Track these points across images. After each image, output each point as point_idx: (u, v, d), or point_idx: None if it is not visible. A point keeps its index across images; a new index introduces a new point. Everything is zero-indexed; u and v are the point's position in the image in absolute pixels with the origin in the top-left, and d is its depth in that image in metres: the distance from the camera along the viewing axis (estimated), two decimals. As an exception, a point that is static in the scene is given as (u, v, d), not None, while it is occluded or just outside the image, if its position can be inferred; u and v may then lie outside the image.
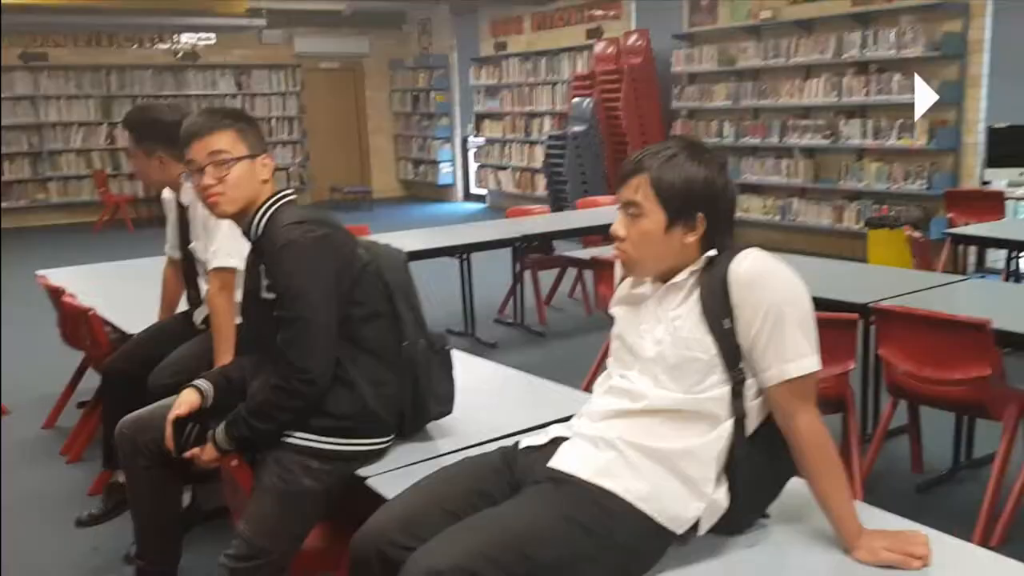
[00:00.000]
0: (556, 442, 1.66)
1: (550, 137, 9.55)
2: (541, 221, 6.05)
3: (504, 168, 11.89)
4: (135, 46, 12.22)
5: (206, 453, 1.97)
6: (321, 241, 1.94)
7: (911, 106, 6.89)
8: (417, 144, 13.77)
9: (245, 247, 2.12)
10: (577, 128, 8.96)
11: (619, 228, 1.61)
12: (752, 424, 1.57)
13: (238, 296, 2.74)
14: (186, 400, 2.02)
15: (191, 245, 2.85)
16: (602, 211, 6.39)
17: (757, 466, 1.57)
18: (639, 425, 1.57)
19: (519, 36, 11.53)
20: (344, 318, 1.96)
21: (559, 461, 1.60)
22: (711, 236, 1.58)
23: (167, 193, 3.00)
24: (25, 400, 4.60)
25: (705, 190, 1.56)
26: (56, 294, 3.90)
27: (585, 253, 4.67)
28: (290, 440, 1.95)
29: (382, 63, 14.04)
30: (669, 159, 1.57)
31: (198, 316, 2.95)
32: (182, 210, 2.87)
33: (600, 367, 4.51)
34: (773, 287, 1.53)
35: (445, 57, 13.10)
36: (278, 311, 1.93)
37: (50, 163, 11.76)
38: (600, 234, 6.13)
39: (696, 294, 1.57)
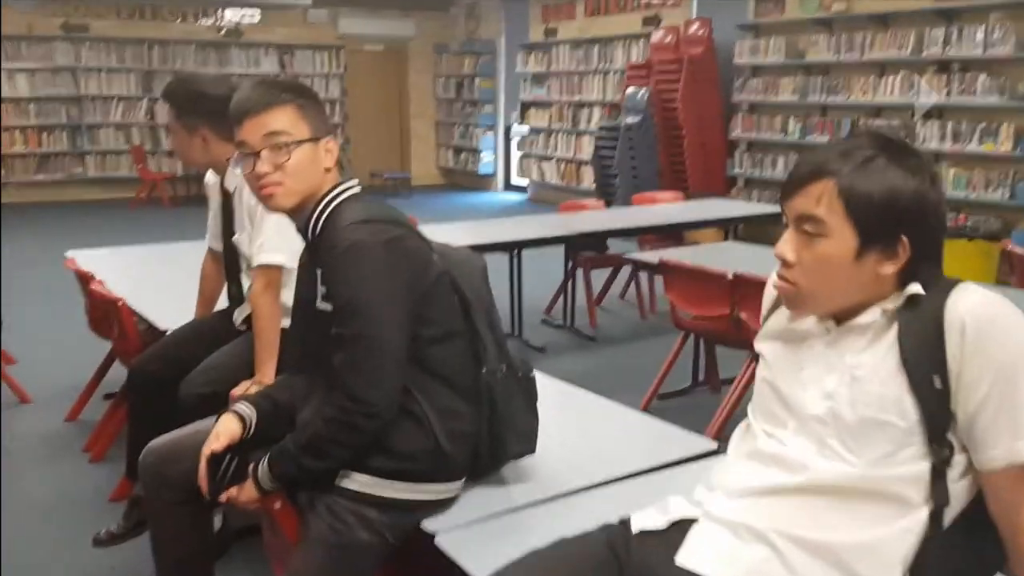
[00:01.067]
0: (680, 526, 1.31)
1: (601, 128, 9.17)
2: (597, 217, 5.68)
3: (548, 159, 11.51)
4: (179, 20, 11.99)
5: (245, 493, 1.65)
6: (392, 245, 1.61)
7: (996, 109, 6.43)
8: (459, 131, 13.43)
9: (297, 243, 1.81)
10: (631, 119, 8.57)
11: (787, 250, 1.25)
12: (953, 513, 1.20)
13: (285, 297, 2.43)
14: (225, 431, 1.70)
15: (235, 237, 2.54)
16: (660, 208, 6.02)
17: (955, 569, 1.21)
18: (799, 508, 1.21)
19: (571, 22, 11.14)
20: (413, 338, 1.63)
21: (690, 557, 1.26)
22: (914, 266, 1.22)
23: (210, 176, 2.69)
24: (48, 390, 4.34)
25: (913, 206, 1.20)
26: (85, 279, 3.62)
27: (652, 255, 4.29)
28: (345, 484, 1.62)
29: (427, 47, 13.71)
30: (865, 163, 1.20)
31: (238, 316, 2.63)
32: (226, 196, 2.56)
33: (662, 382, 4.23)
34: (1010, 339, 1.16)
35: (492, 42, 12.74)
36: (337, 327, 1.61)
37: (88, 137, 11.58)
38: (657, 234, 5.76)
39: (891, 338, 1.21)
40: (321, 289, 1.68)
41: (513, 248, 5.09)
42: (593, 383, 2.43)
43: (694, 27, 8.59)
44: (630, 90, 8.78)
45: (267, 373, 2.38)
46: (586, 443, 2.03)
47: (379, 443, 1.61)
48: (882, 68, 7.31)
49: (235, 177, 2.48)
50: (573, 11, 11.09)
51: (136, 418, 2.66)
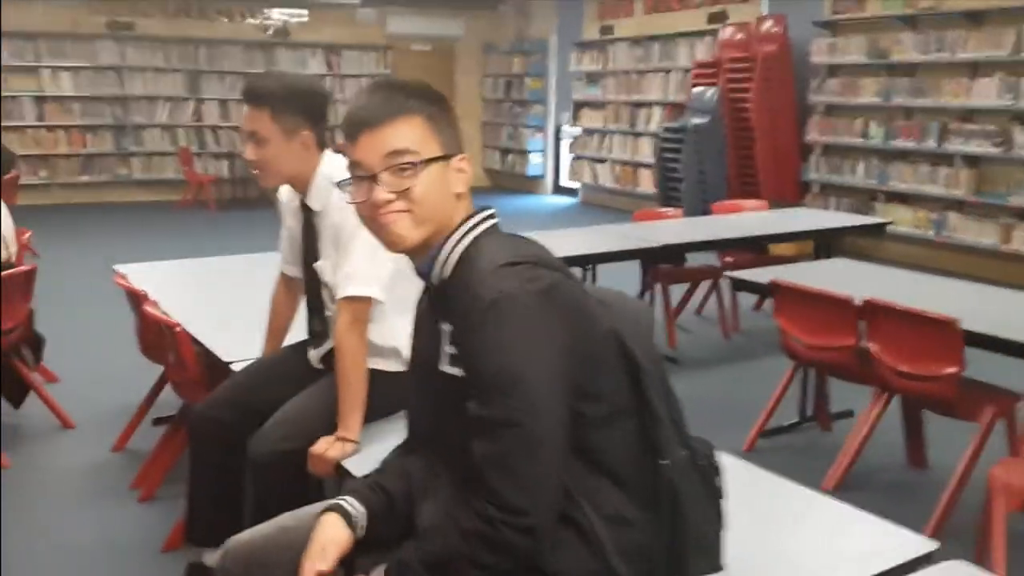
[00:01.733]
0: None
1: (665, 129, 8.72)
2: (677, 228, 5.25)
3: (602, 161, 11.08)
4: (225, 20, 11.75)
5: None
6: (550, 296, 1.23)
7: (1111, 112, 5.90)
8: (506, 132, 13.05)
9: (394, 273, 1.54)
10: (698, 120, 8.12)
11: None
12: None
13: (374, 335, 2.06)
14: (333, 541, 1.31)
15: (317, 263, 2.16)
16: (744, 218, 5.57)
17: None
18: None
19: (628, 19, 10.70)
20: (574, 418, 1.24)
21: None
22: None
23: (285, 192, 2.31)
24: (93, 414, 4.01)
25: None
26: (137, 299, 3.27)
27: (757, 274, 3.87)
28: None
29: (475, 46, 13.35)
30: None
31: (315, 355, 2.25)
32: (308, 215, 2.18)
33: (771, 416, 3.79)
34: None
35: (543, 41, 12.33)
36: (479, 406, 1.21)
37: (134, 137, 11.37)
38: (744, 247, 5.31)
39: None
40: (448, 349, 1.29)
41: (588, 262, 4.68)
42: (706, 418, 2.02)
43: (767, 24, 8.12)
44: (697, 90, 8.33)
45: (352, 427, 2.00)
46: (759, 540, 1.61)
47: (531, 564, 1.21)
48: (974, 68, 6.79)
49: (323, 193, 2.11)
50: (631, 8, 10.64)
51: (199, 470, 2.30)
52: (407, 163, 1.29)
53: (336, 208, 2.06)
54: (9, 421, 3.87)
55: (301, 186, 2.15)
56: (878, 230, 5.85)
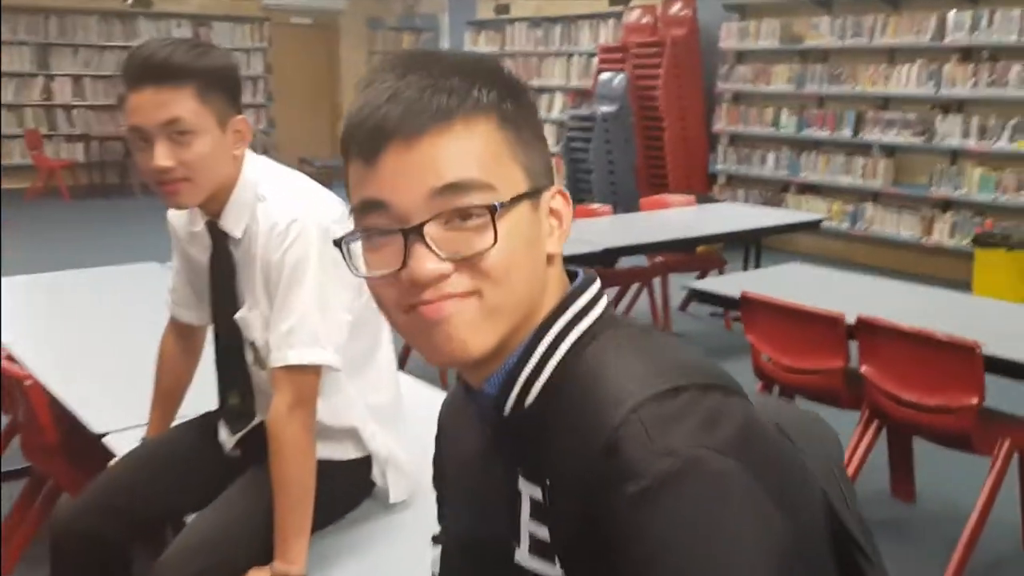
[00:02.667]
0: None
1: (572, 117, 8.26)
2: (611, 229, 4.80)
3: (500, 148, 10.56)
4: (78, -14, 10.52)
5: None
6: (748, 451, 0.69)
7: (1032, 103, 5.81)
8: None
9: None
10: (606, 108, 7.69)
11: None
12: None
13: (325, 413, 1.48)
14: None
15: (239, 315, 1.54)
16: (675, 214, 5.17)
17: None
18: None
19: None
20: None
21: None
22: None
23: (177, 216, 1.65)
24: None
25: None
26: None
27: (724, 284, 3.44)
28: None
29: (360, 22, 12.55)
30: None
31: (231, 440, 1.63)
32: (221, 243, 1.54)
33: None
34: None
35: (434, 18, 11.68)
36: None
37: (-28, 118, 10.04)
38: (675, 250, 4.89)
39: None
40: (533, 528, 0.77)
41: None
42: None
43: (676, 6, 7.77)
44: (604, 76, 7.90)
45: (295, 554, 1.41)
46: None
47: None
48: (891, 55, 6.63)
49: (245, 212, 1.49)
50: (529, -13, 10.13)
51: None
52: (475, 207, 0.73)
53: (271, 235, 1.45)
54: None
55: (215, 202, 1.51)
56: (813, 226, 5.59)
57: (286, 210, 1.45)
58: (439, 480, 0.97)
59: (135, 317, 2.80)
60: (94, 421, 1.97)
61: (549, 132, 9.64)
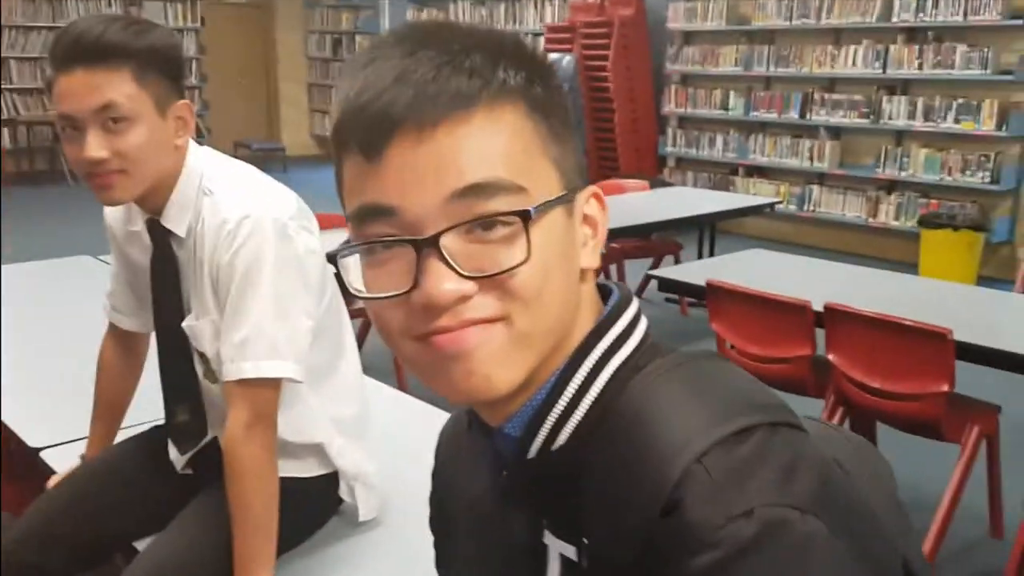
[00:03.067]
0: None
1: (518, 98, 8.12)
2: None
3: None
4: (-3, -40, 9.99)
5: None
6: (831, 504, 0.58)
7: (977, 83, 5.86)
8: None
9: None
10: (554, 89, 7.57)
11: None
12: None
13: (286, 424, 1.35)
14: None
15: (187, 323, 1.39)
16: (630, 200, 5.09)
17: None
18: None
19: (469, -23, 9.99)
20: None
21: None
22: None
23: (113, 213, 1.49)
24: None
25: None
26: None
27: (686, 273, 3.36)
28: None
29: (296, 1, 12.20)
30: None
31: (181, 459, 1.49)
32: (164, 243, 1.39)
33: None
34: None
35: (374, -4, 11.40)
36: None
37: None
38: (631, 236, 4.81)
39: None
40: None
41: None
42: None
43: (623, -15, 7.67)
44: (552, 56, 7.78)
45: (259, 582, 1.28)
46: None
47: None
48: (839, 35, 6.65)
49: (189, 208, 1.34)
50: (472, -36, 9.94)
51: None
52: (503, 214, 0.61)
53: (220, 233, 1.30)
54: None
55: (155, 197, 1.36)
56: (768, 208, 5.57)
57: (236, 205, 1.31)
58: (439, 524, 0.85)
59: (70, 316, 2.61)
60: (29, 434, 1.80)
61: (495, 114, 9.52)
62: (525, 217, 0.60)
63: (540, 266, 0.61)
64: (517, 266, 0.60)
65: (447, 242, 0.60)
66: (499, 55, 0.62)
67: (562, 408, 0.65)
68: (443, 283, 0.59)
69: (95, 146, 1.25)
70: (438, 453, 0.86)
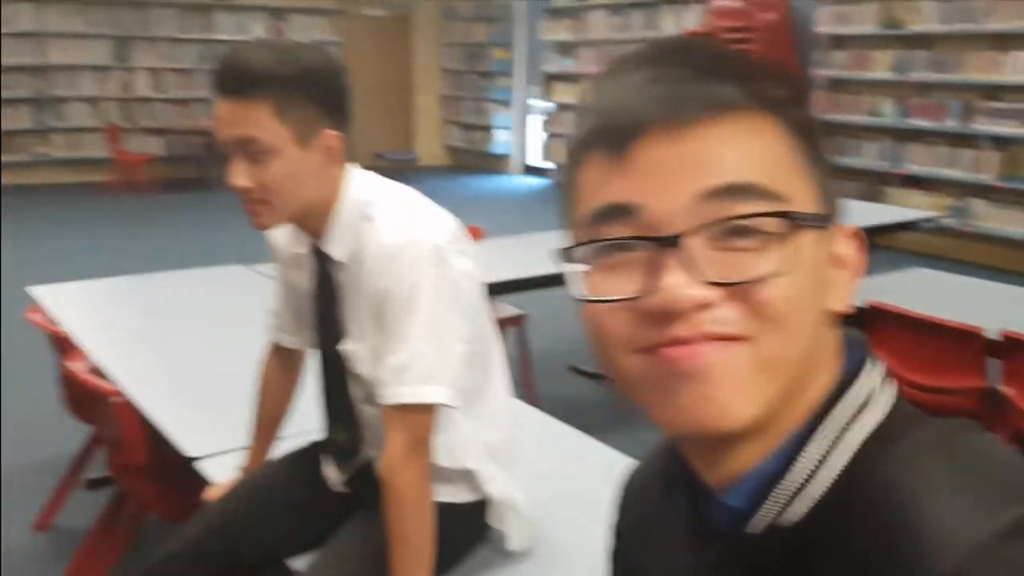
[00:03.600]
0: None
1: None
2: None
3: (576, 139, 10.32)
4: (157, -21, 10.61)
5: None
6: None
7: None
8: (469, 107, 12.18)
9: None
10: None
11: None
12: None
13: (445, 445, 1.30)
14: None
15: (344, 345, 1.36)
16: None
17: None
18: None
19: (606, -15, 9.90)
20: None
21: None
22: None
23: (283, 234, 1.48)
24: (10, 474, 3.14)
25: None
26: (58, 345, 2.45)
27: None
28: None
29: (434, 12, 12.42)
30: None
31: (339, 478, 1.47)
32: (326, 267, 1.37)
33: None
34: None
35: (509, 7, 11.46)
36: None
37: (55, 112, 10.21)
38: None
39: None
40: None
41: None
42: None
43: (767, -10, 7.42)
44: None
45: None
46: None
47: None
48: (1003, 40, 6.19)
49: (351, 234, 1.32)
50: (608, -27, 9.85)
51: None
52: (758, 216, 0.53)
53: (380, 259, 1.27)
54: None
55: (314, 222, 1.34)
56: (933, 223, 5.24)
57: (396, 231, 1.29)
58: None
59: (223, 326, 2.68)
60: (187, 445, 1.83)
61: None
62: (788, 222, 0.53)
63: (795, 282, 0.53)
64: (768, 277, 0.53)
65: (691, 243, 0.53)
66: (758, 71, 0.57)
67: (801, 480, 0.56)
68: (682, 284, 0.52)
69: (238, 175, 1.27)
70: (624, 507, 0.78)
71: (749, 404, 0.54)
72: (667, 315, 0.53)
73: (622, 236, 0.55)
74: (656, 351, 0.54)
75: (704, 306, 0.53)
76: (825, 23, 7.32)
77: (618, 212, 0.55)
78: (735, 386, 0.53)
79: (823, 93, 7.47)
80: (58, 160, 10.31)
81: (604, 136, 0.56)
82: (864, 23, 7.03)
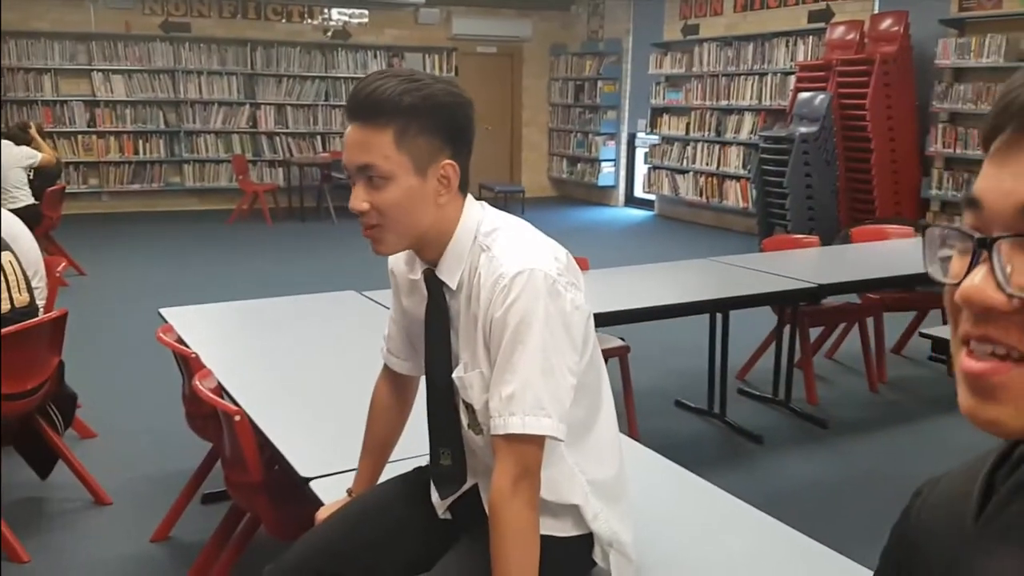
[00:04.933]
0: None
1: (765, 138, 7.84)
2: (818, 262, 4.43)
3: (684, 171, 10.24)
4: (283, 20, 11.15)
5: None
6: None
7: None
8: (575, 140, 12.26)
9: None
10: (806, 128, 7.25)
11: None
12: None
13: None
14: None
15: (456, 375, 1.40)
16: (892, 247, 4.71)
17: None
18: None
19: (716, 18, 9.85)
20: None
21: None
22: None
23: (401, 261, 1.54)
24: (130, 486, 3.32)
25: None
26: (186, 365, 2.58)
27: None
28: None
29: (543, 48, 12.61)
30: None
31: (443, 504, 1.50)
32: (438, 295, 1.43)
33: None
34: None
35: (618, 42, 11.52)
36: None
37: (187, 144, 10.82)
38: (894, 287, 4.43)
39: None
40: None
41: (721, 307, 3.88)
42: (859, 511, 1.23)
43: (886, 22, 7.24)
44: (804, 95, 7.47)
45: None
46: None
47: None
48: None
49: (465, 263, 1.36)
50: (720, 6, 9.79)
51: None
52: None
53: (494, 289, 1.30)
54: (33, 495, 3.21)
55: (431, 250, 1.39)
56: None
57: (511, 261, 1.31)
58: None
59: (337, 350, 2.78)
60: (300, 465, 1.90)
61: (734, 153, 9.27)
62: None
63: None
64: None
65: (1003, 248, 0.55)
66: None
67: None
68: (980, 286, 0.55)
69: (357, 198, 1.33)
70: (915, 509, 0.75)
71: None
72: (963, 307, 0.57)
73: (961, 229, 0.58)
74: (963, 347, 0.58)
75: (992, 309, 0.55)
76: (945, 56, 7.06)
77: (970, 203, 0.58)
78: (1018, 405, 0.55)
79: (944, 126, 7.20)
80: (189, 189, 10.90)
81: (1009, 119, 0.57)
82: (989, 55, 6.75)
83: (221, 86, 10.87)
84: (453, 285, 1.38)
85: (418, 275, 1.45)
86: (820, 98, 7.25)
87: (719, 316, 3.98)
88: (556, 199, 12.72)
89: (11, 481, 3.12)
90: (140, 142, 10.65)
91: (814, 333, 4.58)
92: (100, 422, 3.80)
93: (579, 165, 12.30)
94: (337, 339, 2.92)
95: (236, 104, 10.96)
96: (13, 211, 4.09)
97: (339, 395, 2.32)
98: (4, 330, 2.76)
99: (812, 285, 3.71)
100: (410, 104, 1.30)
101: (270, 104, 11.08)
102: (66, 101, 10.25)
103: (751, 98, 9.16)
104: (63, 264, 3.88)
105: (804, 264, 4.32)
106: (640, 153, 11.47)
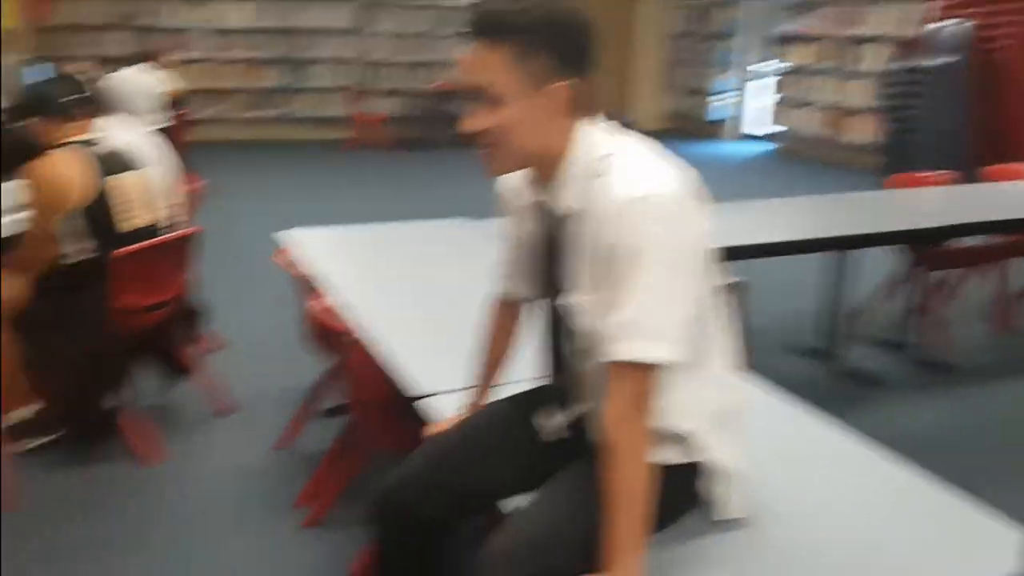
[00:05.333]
0: None
1: (894, 72, 7.41)
2: (947, 202, 4.19)
3: (806, 104, 9.80)
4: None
5: None
6: None
7: None
8: (692, 71, 11.87)
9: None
10: (941, 60, 6.79)
11: None
12: None
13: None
14: None
15: (565, 299, 1.40)
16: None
17: None
18: None
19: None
20: None
21: None
22: None
23: (512, 181, 1.53)
24: (255, 397, 3.49)
25: None
26: (303, 286, 2.67)
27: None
28: None
29: (661, -26, 12.22)
30: None
31: (554, 426, 1.52)
32: (553, 219, 1.41)
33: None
34: None
35: (741, -33, 11.04)
36: None
37: (302, 73, 11.01)
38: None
39: None
40: None
41: (844, 245, 3.72)
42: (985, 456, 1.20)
43: (1039, -58, 6.65)
44: (939, 24, 6.98)
45: (631, 571, 1.26)
46: None
47: None
48: None
49: (582, 186, 1.34)
50: (853, -74, 9.20)
51: (388, 562, 1.63)
52: None
53: (609, 214, 1.28)
54: (164, 403, 3.42)
55: (545, 172, 1.37)
56: None
57: (628, 187, 1.27)
58: None
59: (449, 274, 2.81)
60: (412, 383, 1.95)
61: (859, 87, 8.80)
62: None
63: None
64: None
65: None
66: None
67: None
68: None
69: (473, 119, 1.32)
70: None
71: None
72: None
73: None
74: None
75: None
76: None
77: None
78: None
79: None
80: (302, 118, 11.14)
81: None
82: None
83: (334, 14, 10.96)
84: (566, 210, 1.36)
85: (531, 200, 1.44)
86: (958, 28, 6.77)
87: (837, 256, 3.84)
88: (668, 132, 12.40)
89: (143, 389, 3.33)
90: (257, 71, 10.89)
91: (937, 276, 4.37)
92: (228, 335, 3.99)
93: (695, 97, 11.95)
94: (448, 265, 2.96)
95: (349, 33, 11.04)
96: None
97: (450, 318, 2.36)
98: (135, 246, 2.91)
99: (940, 225, 3.52)
100: (528, 23, 1.27)
101: (382, 34, 11.12)
102: (185, 29, 10.55)
103: (885, 26, 8.62)
104: (196, 184, 4.05)
105: (932, 203, 4.10)
106: (753, 86, 11.03)
